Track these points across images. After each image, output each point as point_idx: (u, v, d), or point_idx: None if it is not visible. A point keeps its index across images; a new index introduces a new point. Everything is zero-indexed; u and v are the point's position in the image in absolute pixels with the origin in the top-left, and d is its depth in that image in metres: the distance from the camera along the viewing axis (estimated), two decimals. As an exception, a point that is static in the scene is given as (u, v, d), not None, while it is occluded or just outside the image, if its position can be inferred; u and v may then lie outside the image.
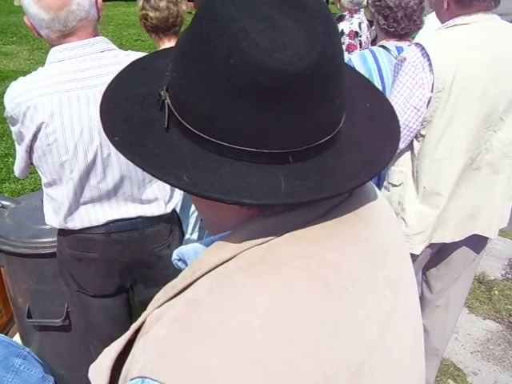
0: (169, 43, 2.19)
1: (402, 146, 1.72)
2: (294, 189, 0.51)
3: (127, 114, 0.58)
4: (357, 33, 3.72)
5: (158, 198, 1.63)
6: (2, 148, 4.76)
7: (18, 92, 1.42)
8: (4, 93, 1.48)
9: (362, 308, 0.52)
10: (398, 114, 1.49)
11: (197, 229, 2.40)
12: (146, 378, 0.44)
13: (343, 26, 3.74)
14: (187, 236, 2.30)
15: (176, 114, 0.54)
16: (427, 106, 1.63)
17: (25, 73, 1.51)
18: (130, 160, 0.53)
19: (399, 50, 2.16)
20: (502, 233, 3.50)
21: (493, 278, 3.22)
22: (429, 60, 1.58)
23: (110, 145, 0.61)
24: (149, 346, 0.47)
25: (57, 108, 1.41)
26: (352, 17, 3.76)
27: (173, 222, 1.74)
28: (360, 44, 3.73)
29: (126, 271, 1.69)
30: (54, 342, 2.11)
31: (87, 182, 1.51)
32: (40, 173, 1.56)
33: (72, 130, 1.43)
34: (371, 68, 2.20)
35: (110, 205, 1.57)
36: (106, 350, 0.56)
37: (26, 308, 2.04)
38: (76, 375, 2.05)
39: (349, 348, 0.49)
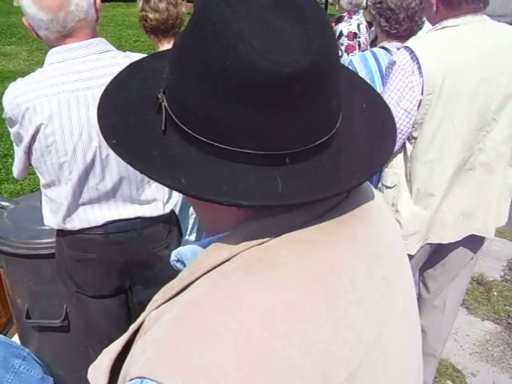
0: (168, 45, 2.19)
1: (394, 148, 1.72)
2: (291, 190, 0.51)
3: (125, 116, 0.58)
4: (355, 34, 3.73)
5: (157, 198, 1.63)
6: (1, 149, 4.75)
7: (17, 93, 1.42)
8: (3, 94, 1.47)
9: (360, 308, 0.52)
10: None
11: (195, 230, 2.40)
12: (144, 378, 0.45)
13: (342, 27, 3.75)
14: (186, 237, 2.30)
15: (173, 116, 0.55)
16: (418, 108, 1.63)
17: (24, 74, 1.51)
18: (128, 162, 0.53)
19: (400, 50, 2.16)
20: (501, 234, 3.51)
21: (491, 279, 3.22)
22: (418, 63, 1.58)
23: None
24: (147, 347, 0.47)
25: (56, 109, 1.41)
26: (351, 18, 3.77)
27: (171, 223, 1.74)
28: (359, 45, 3.74)
29: (124, 272, 1.69)
30: (52, 343, 2.10)
31: (86, 182, 1.51)
32: (38, 174, 1.55)
33: (71, 131, 1.43)
34: (372, 69, 2.20)
35: (108, 205, 1.57)
36: (105, 350, 0.56)
37: (24, 308, 2.04)
38: (75, 376, 2.03)
39: (346, 347, 0.49)
